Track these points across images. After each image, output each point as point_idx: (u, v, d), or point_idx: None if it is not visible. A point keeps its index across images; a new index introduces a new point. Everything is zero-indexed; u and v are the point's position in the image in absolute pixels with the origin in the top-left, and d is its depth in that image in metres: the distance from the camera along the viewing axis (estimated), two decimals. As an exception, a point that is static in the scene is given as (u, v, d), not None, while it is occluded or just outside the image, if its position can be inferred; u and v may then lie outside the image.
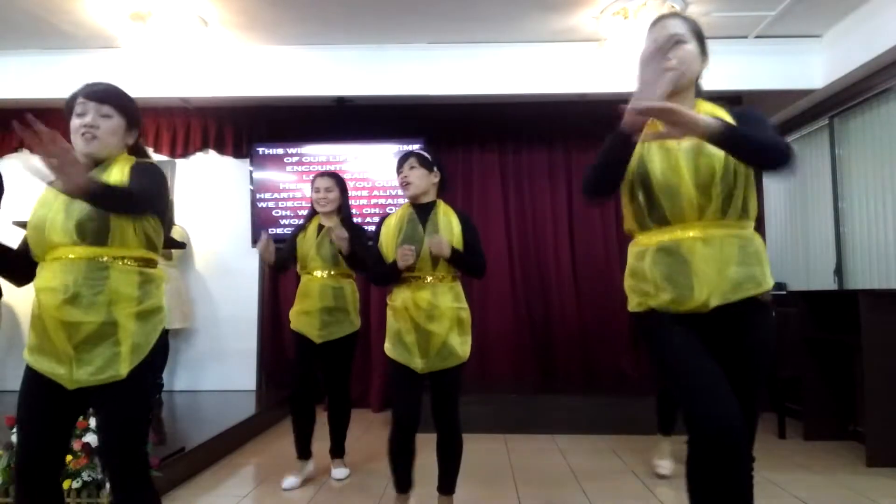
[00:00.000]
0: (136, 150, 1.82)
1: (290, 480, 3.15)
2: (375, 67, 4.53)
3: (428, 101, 4.81)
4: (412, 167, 2.51)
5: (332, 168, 5.09)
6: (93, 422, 2.58)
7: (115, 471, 1.65)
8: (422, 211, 2.52)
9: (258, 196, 5.11)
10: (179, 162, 5.45)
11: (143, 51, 4.16)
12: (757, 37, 4.32)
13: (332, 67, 4.55)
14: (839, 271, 4.51)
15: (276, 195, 5.11)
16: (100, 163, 1.72)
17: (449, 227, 2.47)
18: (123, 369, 1.63)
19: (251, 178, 5.14)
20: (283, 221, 5.05)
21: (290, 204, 5.13)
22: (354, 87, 4.57)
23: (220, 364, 5.23)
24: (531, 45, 4.48)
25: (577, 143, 5.22)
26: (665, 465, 3.21)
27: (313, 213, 3.29)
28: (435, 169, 2.57)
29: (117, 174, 1.69)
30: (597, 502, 2.84)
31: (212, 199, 5.39)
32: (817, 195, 4.81)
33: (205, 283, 5.35)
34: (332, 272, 3.20)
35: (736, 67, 4.37)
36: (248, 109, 5.29)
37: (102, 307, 1.62)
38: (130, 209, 1.65)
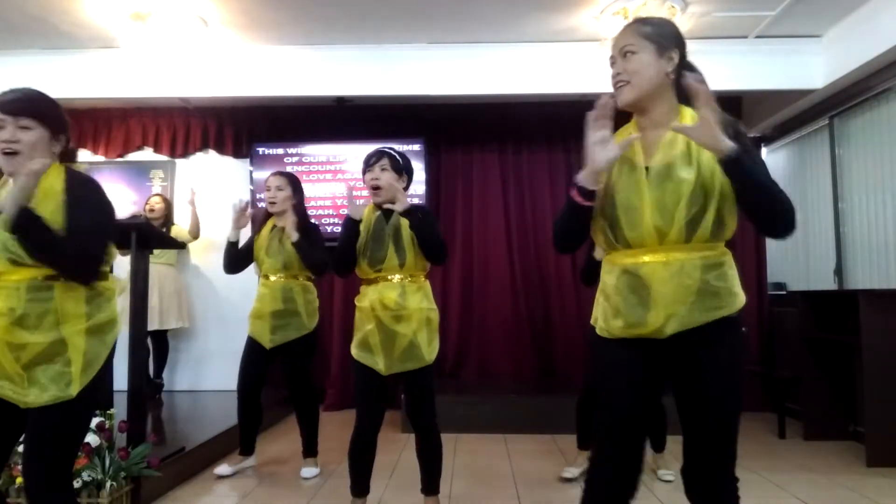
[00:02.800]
0: (68, 156, 1.75)
1: (223, 468, 3.22)
2: (375, 67, 4.53)
3: (428, 101, 4.80)
4: (384, 168, 2.48)
5: (331, 168, 5.11)
6: (93, 422, 2.58)
7: (40, 486, 1.60)
8: (385, 211, 2.49)
9: (258, 196, 5.10)
10: (179, 162, 5.45)
11: (143, 51, 4.16)
12: (757, 37, 4.32)
13: (332, 67, 4.55)
14: (839, 271, 4.51)
15: (276, 195, 5.11)
16: None
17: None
18: (74, 389, 1.60)
19: (251, 178, 5.14)
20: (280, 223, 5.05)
21: (290, 204, 5.12)
22: (354, 87, 4.57)
23: (221, 364, 5.22)
24: (531, 45, 4.48)
25: (577, 143, 5.14)
26: (571, 472, 3.18)
27: (268, 214, 3.28)
28: (403, 174, 2.53)
29: (49, 201, 1.60)
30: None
31: (212, 199, 5.38)
32: (817, 195, 4.81)
33: (205, 283, 5.35)
34: (284, 275, 3.20)
35: (736, 67, 4.36)
36: (248, 109, 5.29)
37: (50, 326, 1.59)
38: (56, 264, 1.58)
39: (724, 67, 4.35)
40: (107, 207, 1.74)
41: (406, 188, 2.57)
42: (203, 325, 5.30)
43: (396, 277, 2.40)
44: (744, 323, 1.61)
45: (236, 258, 3.26)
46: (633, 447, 1.59)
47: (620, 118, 1.61)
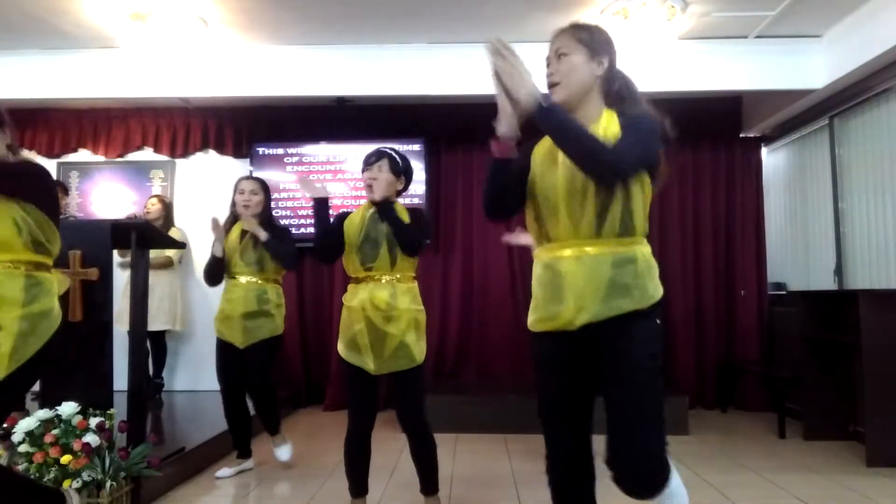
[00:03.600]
0: (12, 150, 1.77)
1: (223, 471, 3.24)
2: (375, 67, 4.53)
3: (428, 101, 4.81)
4: (382, 169, 2.49)
5: (331, 168, 5.11)
6: (93, 422, 2.58)
7: None
8: (381, 211, 2.48)
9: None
10: (179, 162, 5.45)
11: (143, 51, 4.16)
12: (757, 37, 4.32)
13: (332, 67, 4.55)
14: (839, 271, 4.51)
15: (276, 195, 5.09)
16: None
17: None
18: (1, 372, 1.60)
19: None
20: (282, 221, 5.04)
21: (290, 204, 5.13)
22: (354, 87, 4.57)
23: (220, 364, 5.22)
24: (531, 45, 4.45)
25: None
26: None
27: (235, 218, 3.29)
28: (401, 176, 2.54)
29: None
30: (597, 502, 2.84)
31: (212, 199, 5.38)
32: (817, 195, 4.81)
33: (205, 284, 5.34)
34: (257, 277, 3.22)
35: (736, 67, 4.36)
36: (248, 109, 5.29)
37: None
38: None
39: (724, 67, 4.34)
40: (45, 177, 1.77)
41: (404, 190, 2.59)
42: (203, 325, 5.30)
43: (386, 278, 2.41)
44: (661, 316, 1.65)
45: (221, 270, 3.27)
46: (574, 437, 1.66)
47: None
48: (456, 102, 4.85)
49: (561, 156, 1.58)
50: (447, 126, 5.24)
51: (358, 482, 2.51)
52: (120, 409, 2.77)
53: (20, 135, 4.95)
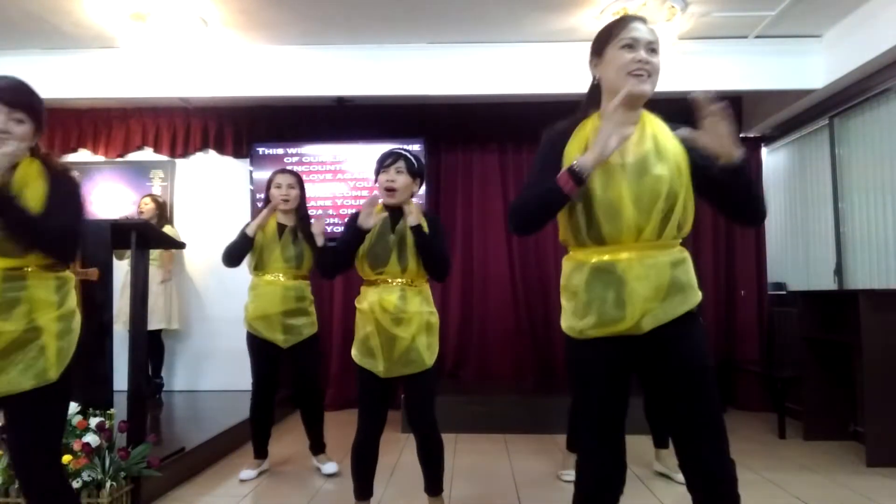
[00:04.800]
0: (36, 152, 1.77)
1: (247, 472, 3.23)
2: (375, 67, 4.53)
3: (428, 101, 4.80)
4: (399, 171, 2.44)
5: (331, 168, 5.11)
6: (93, 422, 2.58)
7: (34, 474, 1.64)
8: (394, 216, 2.46)
9: (258, 196, 5.10)
10: (179, 162, 5.44)
11: (143, 51, 4.16)
12: (757, 37, 4.31)
13: (332, 67, 4.55)
14: (839, 271, 4.51)
15: (276, 195, 5.11)
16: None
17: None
18: (54, 373, 1.64)
19: (251, 178, 5.14)
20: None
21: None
22: (354, 87, 4.57)
23: (220, 364, 5.23)
24: (531, 45, 4.48)
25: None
26: (571, 474, 3.15)
27: (274, 210, 3.24)
28: (417, 179, 2.50)
29: (35, 188, 1.65)
30: None
31: (212, 199, 5.39)
32: (817, 195, 4.81)
33: (204, 283, 5.35)
34: (294, 275, 3.20)
35: (736, 67, 4.36)
36: (248, 109, 5.29)
37: (23, 315, 1.62)
38: (31, 244, 1.62)
39: (724, 67, 4.34)
40: (81, 202, 1.77)
41: (417, 191, 2.58)
42: (203, 325, 5.30)
43: (397, 281, 2.39)
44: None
45: (244, 254, 3.21)
46: (617, 443, 1.64)
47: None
48: (456, 102, 4.86)
49: (618, 157, 1.55)
50: (447, 126, 5.24)
51: (364, 484, 2.49)
52: (120, 409, 2.77)
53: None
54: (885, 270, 4.05)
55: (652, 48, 1.60)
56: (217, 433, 3.66)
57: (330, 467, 3.29)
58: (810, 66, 4.35)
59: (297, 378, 3.27)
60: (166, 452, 3.06)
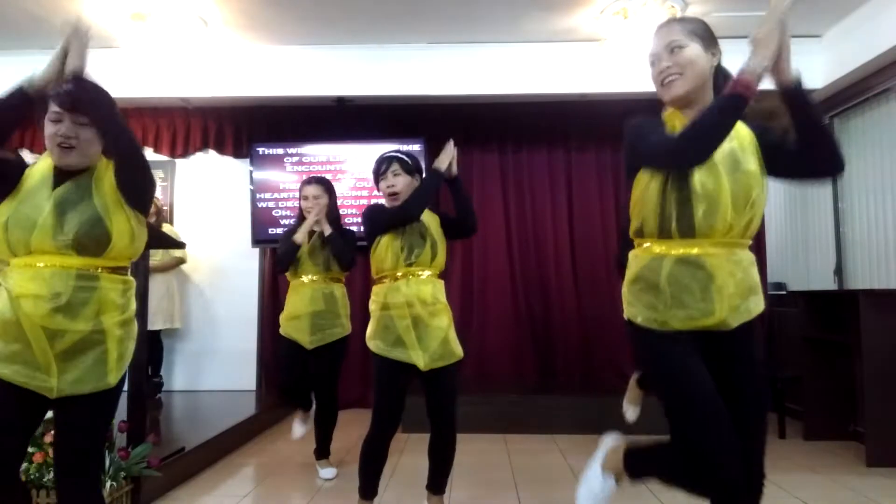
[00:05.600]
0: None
1: (328, 471, 3.27)
2: (375, 67, 4.53)
3: (428, 101, 4.80)
4: (396, 174, 2.45)
5: (331, 168, 5.11)
6: (93, 422, 2.58)
7: (74, 476, 1.62)
8: None
9: (258, 196, 5.11)
10: (179, 162, 5.45)
11: (143, 51, 4.16)
12: (757, 37, 4.32)
13: (332, 67, 4.55)
14: (839, 271, 4.51)
15: (276, 195, 5.11)
16: (80, 171, 1.66)
17: (434, 221, 2.50)
18: (112, 378, 1.62)
19: (251, 178, 5.14)
20: (283, 221, 5.04)
21: (290, 204, 5.12)
22: (354, 87, 4.57)
23: (220, 364, 5.23)
24: (531, 45, 4.48)
25: (577, 143, 5.22)
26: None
27: (302, 217, 3.28)
28: (416, 174, 2.52)
29: (110, 177, 1.66)
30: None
31: (212, 199, 5.39)
32: (817, 195, 4.81)
33: (205, 283, 5.35)
34: (324, 276, 3.22)
35: (736, 67, 4.34)
36: (248, 109, 5.29)
37: (91, 315, 1.60)
38: (138, 168, 1.66)
39: (725, 67, 4.33)
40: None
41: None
42: (203, 325, 5.30)
43: (426, 273, 2.40)
44: None
45: (293, 259, 3.24)
46: (733, 430, 1.50)
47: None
48: (456, 102, 4.86)
49: (729, 147, 1.51)
50: (447, 126, 5.23)
51: (370, 484, 2.46)
52: (120, 409, 2.76)
53: (20, 135, 4.95)
54: (885, 270, 4.05)
55: (672, 48, 1.58)
56: (217, 433, 3.66)
57: (327, 472, 3.28)
58: (810, 66, 4.35)
59: (318, 381, 3.27)
60: (166, 452, 3.05)
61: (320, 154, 5.13)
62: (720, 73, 1.65)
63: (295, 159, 5.13)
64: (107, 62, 4.51)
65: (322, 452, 3.34)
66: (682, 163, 1.52)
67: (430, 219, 2.48)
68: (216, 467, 3.45)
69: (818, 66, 4.34)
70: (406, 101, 4.82)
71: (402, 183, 2.44)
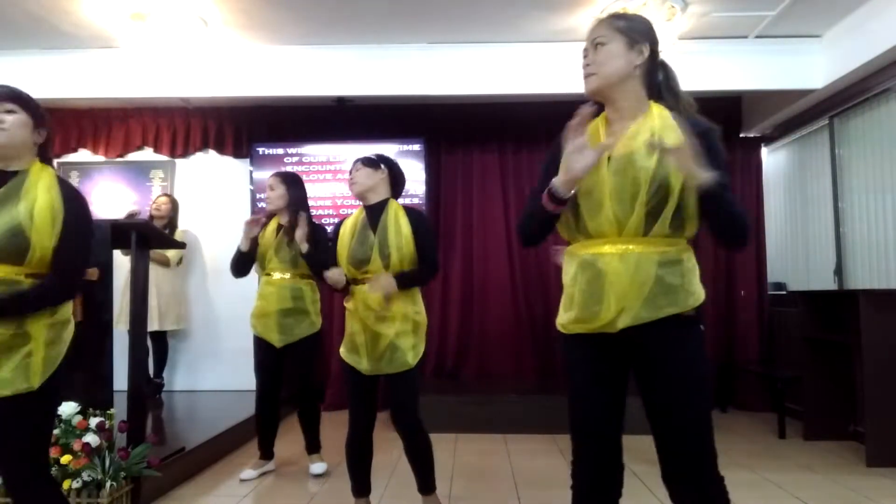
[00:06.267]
0: (45, 154, 1.82)
1: (247, 472, 3.23)
2: (375, 67, 4.53)
3: (428, 101, 4.80)
4: (357, 169, 2.54)
5: (331, 168, 5.11)
6: (93, 422, 2.58)
7: (15, 480, 1.65)
8: (373, 213, 2.50)
9: (258, 196, 5.10)
10: (179, 162, 5.44)
11: (143, 51, 4.16)
12: (757, 37, 4.31)
13: (332, 67, 4.55)
14: (839, 271, 4.51)
15: (276, 195, 5.10)
16: (7, 169, 1.72)
17: (397, 228, 2.44)
18: (35, 381, 1.64)
19: (251, 178, 5.14)
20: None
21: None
22: (354, 87, 4.57)
23: (220, 364, 5.23)
24: (531, 45, 4.48)
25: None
26: None
27: (272, 213, 3.30)
28: (382, 166, 2.55)
29: (46, 210, 1.67)
30: None
31: (212, 199, 5.39)
32: (817, 195, 4.81)
33: (205, 283, 5.35)
34: (291, 274, 3.21)
35: (736, 67, 4.36)
36: (248, 109, 5.29)
37: (12, 319, 1.62)
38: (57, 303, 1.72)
39: (724, 67, 4.34)
40: (91, 226, 1.82)
41: (395, 182, 2.59)
42: (203, 325, 5.30)
43: None
44: (705, 321, 1.62)
45: (246, 265, 3.27)
46: (606, 444, 1.59)
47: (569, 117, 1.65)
48: (456, 102, 4.86)
49: (627, 149, 1.52)
50: (447, 126, 5.24)
51: (360, 481, 2.53)
52: (120, 409, 2.77)
53: None
54: (885, 270, 4.05)
55: (596, 43, 1.58)
56: (217, 433, 3.66)
57: (317, 468, 3.29)
58: (810, 66, 4.35)
59: (293, 379, 3.28)
60: (166, 452, 3.06)
61: (320, 154, 5.13)
62: (657, 71, 1.62)
63: (295, 159, 5.13)
64: (107, 62, 4.52)
65: (312, 448, 3.34)
66: (524, 245, 1.73)
67: (396, 226, 2.44)
68: (216, 467, 3.45)
69: (818, 66, 4.34)
70: (406, 101, 4.81)
71: (359, 175, 2.52)
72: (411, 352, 2.42)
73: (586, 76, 1.60)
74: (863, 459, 3.44)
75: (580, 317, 1.54)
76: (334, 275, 2.39)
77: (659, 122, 1.53)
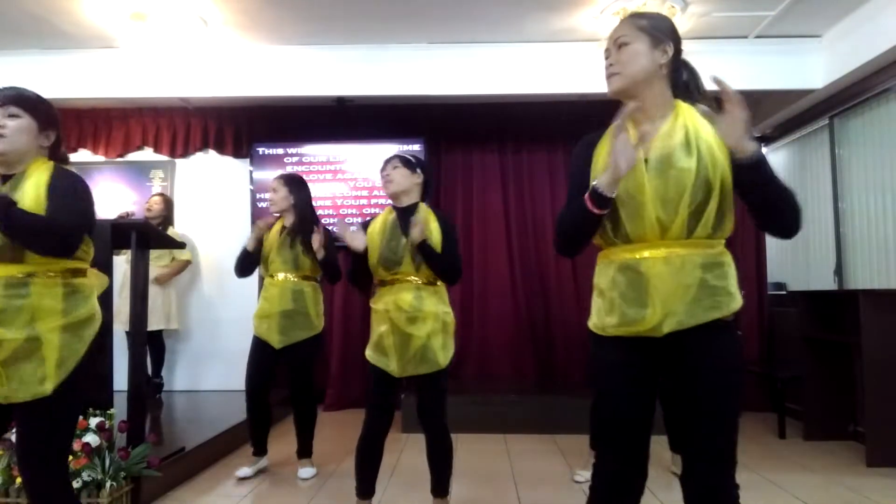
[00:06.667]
0: (56, 154, 1.80)
1: (243, 470, 3.23)
2: (375, 67, 4.53)
3: (428, 101, 4.80)
4: (395, 167, 2.50)
5: (331, 168, 5.11)
6: (93, 422, 2.58)
7: (33, 483, 1.65)
8: (404, 214, 2.48)
9: (258, 196, 5.11)
10: (179, 162, 5.44)
11: (143, 51, 4.16)
12: (757, 37, 4.31)
13: (332, 67, 4.55)
14: (839, 271, 4.51)
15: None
16: (11, 173, 1.70)
17: (429, 230, 2.43)
18: (49, 386, 1.63)
19: (251, 178, 5.15)
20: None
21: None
22: (354, 87, 4.57)
23: (220, 364, 5.23)
24: (531, 45, 4.48)
25: (576, 142, 5.21)
26: (584, 475, 3.11)
27: (274, 213, 3.32)
28: (418, 170, 2.53)
29: (32, 189, 1.66)
30: None
31: (212, 199, 5.39)
32: (817, 195, 4.81)
33: (204, 283, 5.35)
34: (294, 275, 3.20)
35: (736, 67, 4.36)
36: (248, 109, 5.29)
37: (24, 324, 1.61)
38: (49, 250, 1.63)
39: (724, 67, 4.31)
40: (88, 196, 1.76)
41: (427, 187, 2.58)
42: (203, 325, 5.30)
43: (413, 279, 2.40)
44: (742, 324, 1.61)
45: (250, 264, 3.28)
46: (636, 450, 1.57)
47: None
48: (456, 102, 4.85)
49: (642, 153, 1.50)
50: (447, 126, 5.24)
51: (366, 483, 2.50)
52: (120, 409, 2.77)
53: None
54: (885, 270, 4.05)
55: (619, 44, 1.56)
56: (217, 433, 3.66)
57: (306, 472, 3.28)
58: (810, 66, 4.35)
59: (292, 381, 3.28)
60: (166, 452, 3.06)
61: (320, 154, 5.13)
62: (681, 70, 1.62)
63: (295, 159, 5.13)
64: (107, 62, 4.52)
65: (303, 452, 3.34)
66: (558, 250, 1.69)
67: (428, 225, 2.43)
68: (216, 467, 3.45)
69: (818, 66, 4.34)
70: (406, 101, 4.81)
71: (397, 174, 2.48)
72: (442, 352, 2.40)
73: (609, 76, 1.58)
74: (863, 459, 3.44)
75: (623, 321, 1.52)
76: (355, 240, 2.35)
77: (691, 120, 1.53)
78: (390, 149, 4.91)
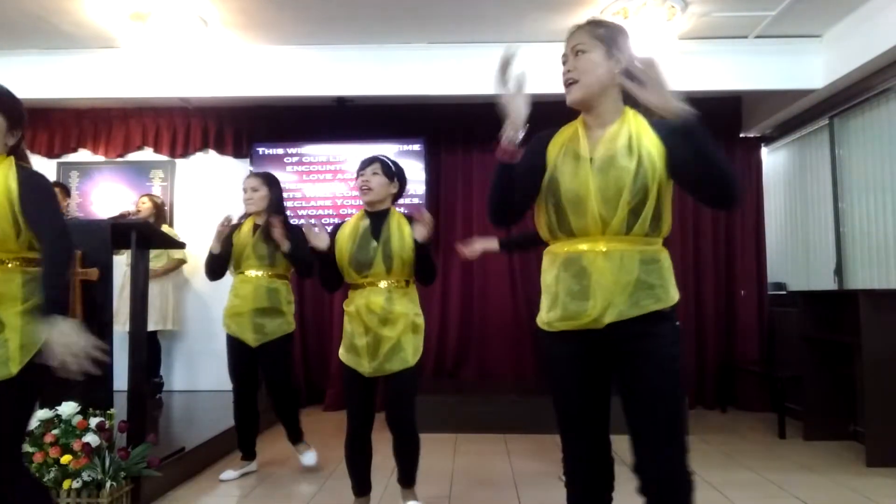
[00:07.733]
0: (17, 151, 1.80)
1: (227, 473, 3.22)
2: (375, 67, 4.53)
3: (428, 101, 4.80)
4: (375, 173, 2.52)
5: (331, 168, 5.11)
6: (93, 422, 2.58)
7: None
8: (376, 219, 2.51)
9: (258, 196, 5.10)
10: (179, 162, 5.45)
11: (143, 51, 4.16)
12: (757, 37, 4.31)
13: (332, 67, 4.55)
14: (839, 271, 4.51)
15: (276, 195, 5.10)
16: None
17: (401, 236, 2.46)
18: (14, 367, 1.66)
19: (251, 178, 5.14)
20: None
21: (290, 204, 5.11)
22: (354, 87, 4.57)
23: (220, 364, 5.17)
24: (531, 45, 4.47)
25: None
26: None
27: (247, 214, 3.29)
28: (395, 180, 2.56)
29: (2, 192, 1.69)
30: None
31: (212, 199, 5.38)
32: (817, 195, 4.81)
33: (204, 283, 5.33)
34: (268, 273, 3.18)
35: (736, 67, 4.36)
36: (248, 109, 5.29)
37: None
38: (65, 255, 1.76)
39: (724, 67, 4.34)
40: (54, 194, 1.84)
41: (399, 194, 2.61)
42: (202, 325, 5.30)
43: (383, 283, 2.44)
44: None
45: (221, 266, 3.23)
46: (594, 441, 1.63)
47: (570, 116, 1.72)
48: (456, 102, 4.85)
49: (584, 151, 1.58)
50: (447, 126, 5.24)
51: (360, 481, 2.56)
52: (120, 409, 2.77)
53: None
54: (885, 270, 4.05)
55: (576, 51, 1.63)
56: (217, 433, 3.66)
57: (308, 458, 3.29)
58: (810, 66, 4.35)
59: (269, 379, 3.26)
60: (166, 452, 3.05)
61: (320, 154, 5.13)
62: (633, 79, 1.62)
63: (295, 159, 5.13)
64: (107, 62, 4.52)
65: (294, 437, 3.33)
66: (494, 225, 1.79)
67: (400, 233, 2.46)
68: (216, 467, 3.44)
69: (818, 66, 4.34)
70: (406, 101, 4.81)
71: (377, 182, 2.50)
72: (412, 351, 2.45)
73: (568, 84, 1.65)
74: (863, 459, 3.44)
75: (566, 314, 1.58)
76: (317, 239, 2.40)
77: (635, 127, 1.59)
78: (390, 149, 4.92)
